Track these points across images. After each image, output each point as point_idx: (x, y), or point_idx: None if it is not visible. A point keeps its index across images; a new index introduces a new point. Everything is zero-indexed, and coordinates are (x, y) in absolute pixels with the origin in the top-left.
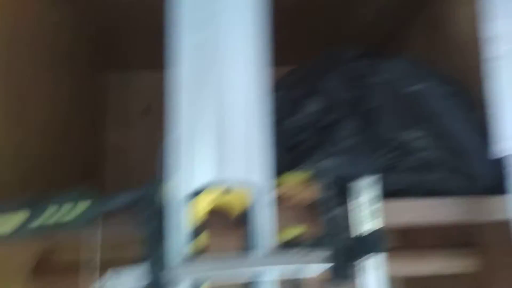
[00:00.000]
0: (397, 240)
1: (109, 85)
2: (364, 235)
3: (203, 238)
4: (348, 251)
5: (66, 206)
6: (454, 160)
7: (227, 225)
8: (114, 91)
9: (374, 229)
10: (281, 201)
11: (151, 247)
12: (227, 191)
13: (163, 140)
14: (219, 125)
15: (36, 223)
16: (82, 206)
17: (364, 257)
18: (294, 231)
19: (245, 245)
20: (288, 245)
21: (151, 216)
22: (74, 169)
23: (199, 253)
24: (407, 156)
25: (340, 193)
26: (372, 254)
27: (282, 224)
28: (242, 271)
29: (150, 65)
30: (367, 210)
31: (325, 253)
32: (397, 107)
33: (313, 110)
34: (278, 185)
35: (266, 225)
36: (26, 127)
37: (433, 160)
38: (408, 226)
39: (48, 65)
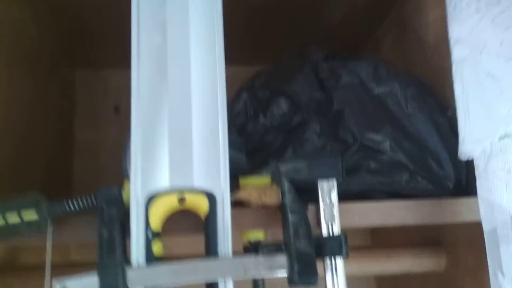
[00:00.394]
0: (366, 239)
1: (78, 82)
2: (325, 238)
3: (159, 244)
4: (308, 254)
5: (23, 212)
6: (419, 162)
7: (188, 230)
8: (83, 89)
9: (335, 232)
10: (243, 204)
11: (108, 250)
12: (182, 198)
13: (127, 141)
14: (172, 130)
15: None
16: (33, 212)
17: (325, 260)
18: (255, 235)
19: (205, 250)
20: (249, 249)
21: (112, 217)
22: (40, 168)
23: (156, 259)
24: (372, 157)
25: (301, 196)
26: (333, 256)
27: (244, 227)
28: (201, 277)
29: (119, 64)
30: (328, 213)
31: (286, 256)
32: (362, 109)
33: (280, 112)
34: (240, 188)
35: (225, 230)
36: None
37: (398, 162)
38: (373, 227)
39: (7, 63)
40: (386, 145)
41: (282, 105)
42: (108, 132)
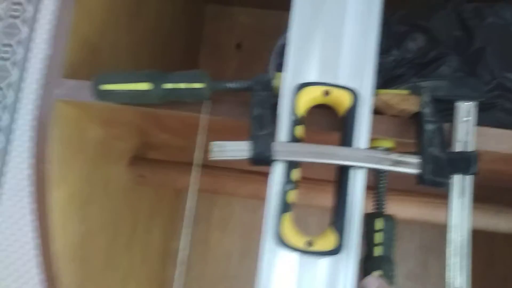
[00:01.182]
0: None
1: (207, 17)
2: (457, 152)
3: (301, 128)
4: (441, 159)
5: (183, 84)
6: None
7: (329, 124)
8: (210, 23)
9: (467, 150)
10: (378, 111)
11: (259, 125)
12: (327, 91)
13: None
14: (325, 31)
15: (161, 89)
16: (199, 84)
17: (453, 174)
18: (385, 143)
19: (341, 143)
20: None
21: (264, 99)
22: None
23: (298, 139)
24: (507, 97)
25: (439, 111)
26: (461, 172)
27: (376, 133)
28: (337, 161)
29: (247, 2)
30: (463, 132)
31: (419, 158)
32: (505, 49)
33: (416, 46)
34: (377, 95)
35: (363, 125)
36: (137, 32)
37: None
38: (503, 156)
39: None
40: None
41: (418, 39)
42: (228, 67)
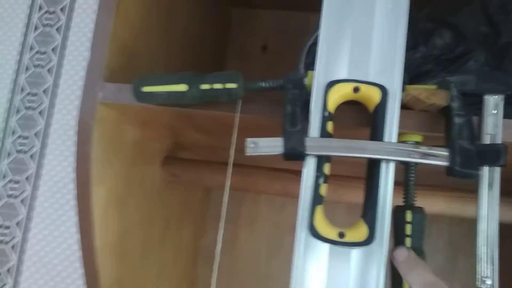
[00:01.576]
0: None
1: (233, 20)
2: (486, 145)
3: (331, 124)
4: (470, 151)
5: (218, 85)
6: None
7: (358, 120)
8: (237, 26)
9: (495, 143)
10: (408, 108)
11: (292, 122)
12: (357, 87)
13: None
14: (355, 30)
15: (198, 90)
16: (233, 83)
17: (482, 166)
18: (414, 137)
19: (371, 137)
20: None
21: (296, 97)
22: None
23: (329, 135)
24: None
25: (467, 104)
26: (489, 164)
27: (405, 128)
28: (368, 154)
29: (273, 5)
30: (492, 125)
31: (448, 150)
32: None
33: (443, 42)
34: (405, 91)
35: (393, 120)
36: (169, 36)
37: None
38: None
39: None
40: None
41: (445, 36)
42: (254, 69)
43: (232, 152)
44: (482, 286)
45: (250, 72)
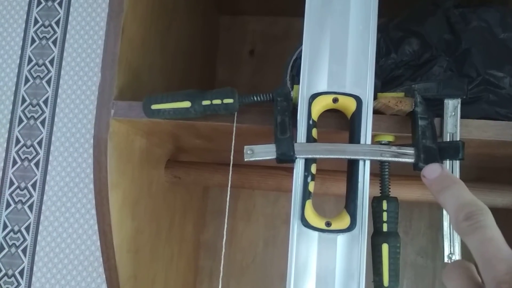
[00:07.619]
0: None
1: (221, 27)
2: (446, 142)
3: (315, 130)
4: (433, 149)
5: (217, 100)
6: None
7: (338, 125)
8: (225, 32)
9: (454, 140)
10: (379, 113)
11: (282, 130)
12: (336, 98)
13: (289, 58)
14: (332, 48)
15: (200, 106)
16: (229, 99)
17: (444, 160)
18: (386, 137)
19: (349, 140)
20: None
21: (284, 108)
22: None
23: (314, 140)
24: (491, 91)
25: (429, 108)
26: (451, 159)
27: (378, 130)
28: (347, 155)
29: (258, 12)
30: (451, 125)
31: (414, 149)
32: (488, 49)
33: (411, 50)
34: (377, 99)
35: (367, 125)
36: (168, 51)
37: None
38: (487, 142)
39: (183, 8)
40: (506, 81)
41: (413, 44)
42: (243, 72)
43: (231, 157)
44: (449, 261)
45: (240, 75)
